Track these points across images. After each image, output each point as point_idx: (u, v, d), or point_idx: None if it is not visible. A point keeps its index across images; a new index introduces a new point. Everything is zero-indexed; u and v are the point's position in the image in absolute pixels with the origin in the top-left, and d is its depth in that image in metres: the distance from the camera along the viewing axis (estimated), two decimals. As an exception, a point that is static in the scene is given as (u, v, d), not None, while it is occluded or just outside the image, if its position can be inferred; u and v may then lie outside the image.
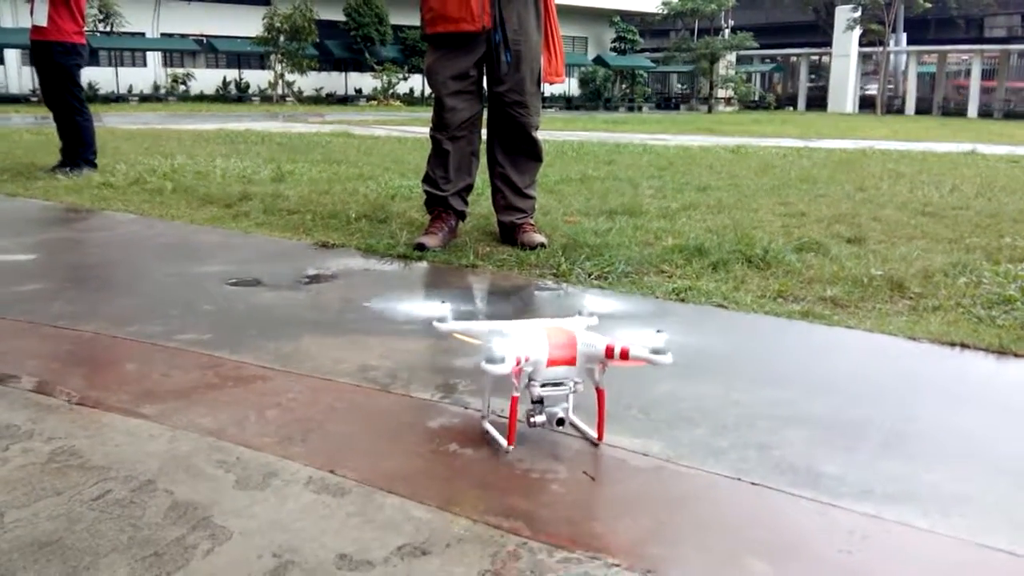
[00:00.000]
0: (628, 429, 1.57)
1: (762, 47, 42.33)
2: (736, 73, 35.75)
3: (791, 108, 38.66)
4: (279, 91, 27.62)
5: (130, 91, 27.30)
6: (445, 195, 3.40)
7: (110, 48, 26.63)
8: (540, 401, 1.48)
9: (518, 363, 1.41)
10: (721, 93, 35.66)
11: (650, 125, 18.08)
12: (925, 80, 39.73)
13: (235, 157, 7.01)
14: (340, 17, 29.13)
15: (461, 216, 3.51)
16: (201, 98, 27.62)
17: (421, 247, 3.21)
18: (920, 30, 39.69)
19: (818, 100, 39.43)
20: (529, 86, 3.33)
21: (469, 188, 3.51)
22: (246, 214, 4.07)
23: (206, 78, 29.00)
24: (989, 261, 3.18)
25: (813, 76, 42.39)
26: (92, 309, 2.41)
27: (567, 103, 34.99)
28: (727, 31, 37.24)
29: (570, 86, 36.96)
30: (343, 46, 29.61)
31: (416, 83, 31.91)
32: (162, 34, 28.47)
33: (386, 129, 13.53)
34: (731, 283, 2.76)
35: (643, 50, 40.87)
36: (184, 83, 26.44)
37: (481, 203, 4.18)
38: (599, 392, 1.50)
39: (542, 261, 3.08)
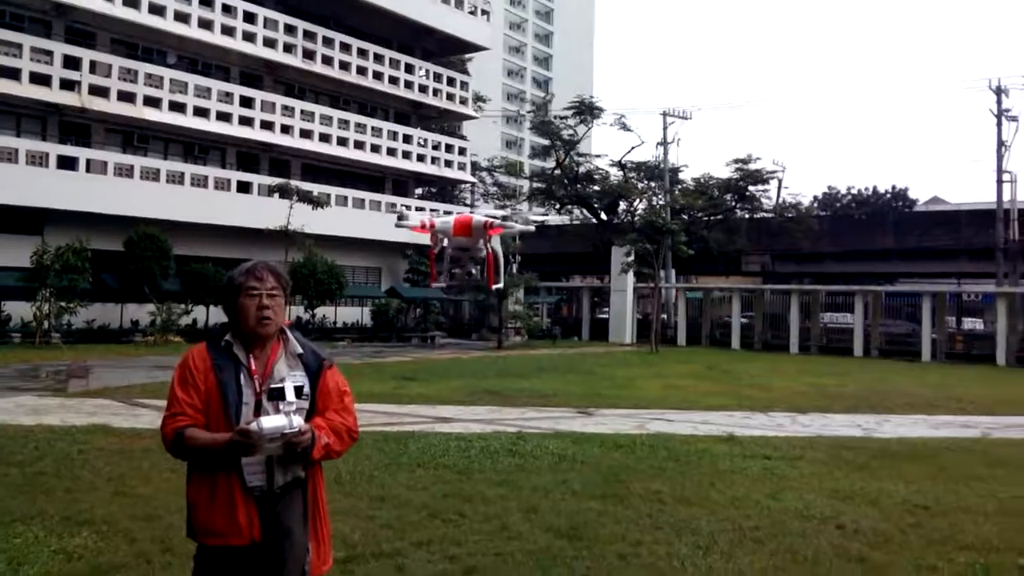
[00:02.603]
0: None
1: (548, 273, 45.11)
2: (524, 307, 37.45)
3: (576, 338, 40.73)
4: (45, 327, 25.68)
5: None
6: None
7: None
8: (454, 261, 3.59)
9: (422, 225, 3.70)
10: (511, 323, 37.03)
11: (427, 385, 18.01)
12: (694, 304, 43.49)
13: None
14: (118, 247, 28.07)
15: None
16: (-49, 334, 25.16)
17: None
18: (686, 262, 43.78)
19: (600, 327, 41.94)
20: None
21: None
22: None
23: (-40, 311, 26.61)
24: None
25: (596, 299, 45.35)
26: None
27: (360, 334, 34.95)
28: (515, 266, 39.31)
29: (363, 316, 37.13)
30: (121, 278, 28.33)
31: (200, 314, 30.85)
32: (-88, 265, 26.10)
33: (155, 412, 12.56)
34: None
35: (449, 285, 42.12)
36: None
37: None
38: (488, 254, 3.27)
39: None
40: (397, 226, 6.94)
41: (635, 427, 11.96)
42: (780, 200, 49.67)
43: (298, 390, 2.96)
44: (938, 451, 10.56)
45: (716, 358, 29.05)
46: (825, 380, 21.68)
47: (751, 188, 47.50)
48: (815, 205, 62.63)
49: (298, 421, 2.82)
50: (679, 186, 48.08)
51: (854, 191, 68.76)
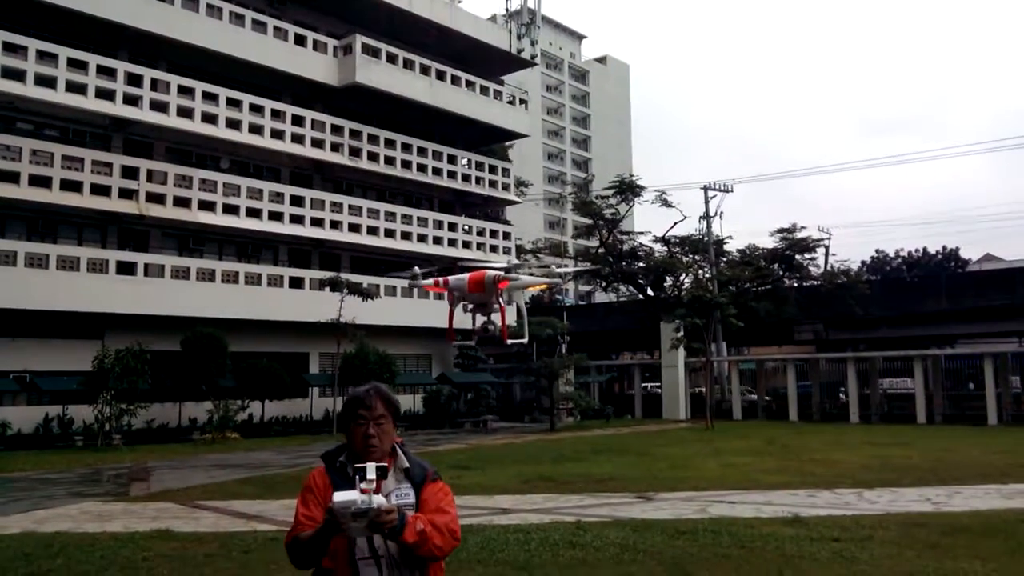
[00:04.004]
0: None
1: (597, 351, 44.95)
2: (575, 388, 37.26)
3: (629, 416, 40.29)
4: (106, 429, 26.22)
5: (-64, 436, 25.22)
6: None
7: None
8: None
9: (436, 283, 4.33)
10: (563, 404, 36.81)
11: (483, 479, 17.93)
12: (748, 376, 42.82)
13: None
14: (176, 347, 28.72)
15: None
16: (18, 439, 25.76)
17: None
18: (736, 334, 43.30)
19: (653, 403, 41.51)
20: None
21: None
22: None
23: (26, 416, 27.28)
24: None
25: (647, 374, 44.96)
26: None
27: (412, 422, 34.99)
28: (564, 346, 39.38)
29: (415, 403, 37.23)
30: (178, 377, 28.89)
31: (256, 410, 31.24)
32: (-21, 373, 26.98)
33: (216, 515, 12.69)
34: None
35: (488, 356, 42.33)
36: (-1, 431, 24.74)
37: None
38: (500, 307, 3.38)
39: None
40: (411, 285, 7.18)
41: (696, 511, 11.76)
42: (828, 267, 49.26)
43: (382, 470, 3.02)
44: (1015, 524, 10.19)
45: (774, 431, 28.48)
46: (890, 451, 21.12)
47: (798, 257, 47.25)
48: (864, 270, 61.91)
49: (379, 500, 2.89)
50: (724, 258, 48.01)
51: (904, 254, 67.88)
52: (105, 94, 28.47)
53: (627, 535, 9.70)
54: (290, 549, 3.14)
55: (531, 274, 7.71)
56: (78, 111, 28.38)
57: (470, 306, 6.79)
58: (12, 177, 26.46)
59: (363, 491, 2.88)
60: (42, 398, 28.19)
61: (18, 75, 26.54)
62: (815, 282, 47.90)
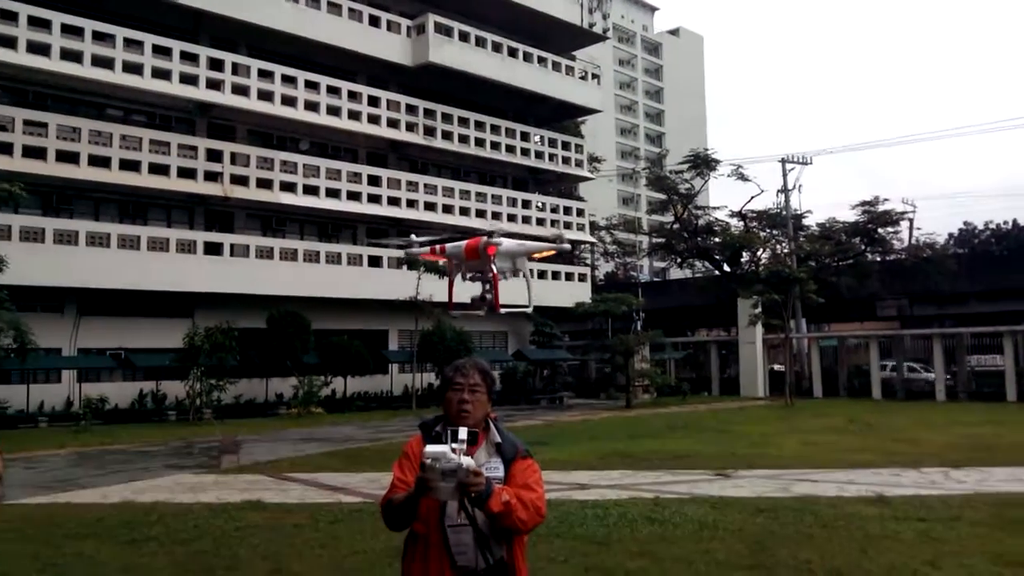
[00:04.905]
0: None
1: (672, 327, 44.57)
2: (650, 365, 37.08)
3: (706, 393, 39.95)
4: (197, 404, 27.29)
5: (40, 408, 26.60)
6: None
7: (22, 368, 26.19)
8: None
9: (432, 251, 4.39)
10: (639, 381, 36.70)
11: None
12: (829, 353, 41.95)
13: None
14: (261, 324, 29.62)
15: None
16: (115, 414, 27.00)
17: None
18: (816, 310, 42.39)
19: (731, 381, 41.09)
20: None
21: None
22: None
23: (122, 392, 28.56)
24: None
25: (724, 352, 44.46)
26: None
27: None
28: (639, 323, 39.20)
29: (492, 381, 37.58)
30: (264, 354, 29.81)
31: (338, 385, 32.04)
32: (79, 349, 28.31)
33: (303, 487, 13.15)
34: None
35: (564, 333, 42.47)
36: (98, 406, 25.94)
37: None
38: (493, 274, 3.65)
39: None
40: (406, 254, 7.15)
41: (777, 489, 11.68)
42: (913, 240, 47.74)
43: (472, 435, 3.14)
44: (1114, 506, 9.86)
45: (856, 409, 27.88)
46: (979, 430, 20.52)
47: (880, 230, 45.86)
48: (951, 243, 59.78)
49: (467, 460, 2.98)
50: (803, 232, 46.93)
51: (992, 226, 65.22)
52: (189, 79, 29.34)
53: (706, 512, 9.71)
54: (384, 511, 3.27)
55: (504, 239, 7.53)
56: (164, 96, 29.32)
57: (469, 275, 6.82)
58: (104, 162, 27.54)
59: (453, 451, 2.96)
60: (136, 374, 29.45)
61: (107, 63, 27.53)
62: (899, 256, 46.49)
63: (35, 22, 26.12)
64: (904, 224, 46.91)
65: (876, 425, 22.17)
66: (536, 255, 7.21)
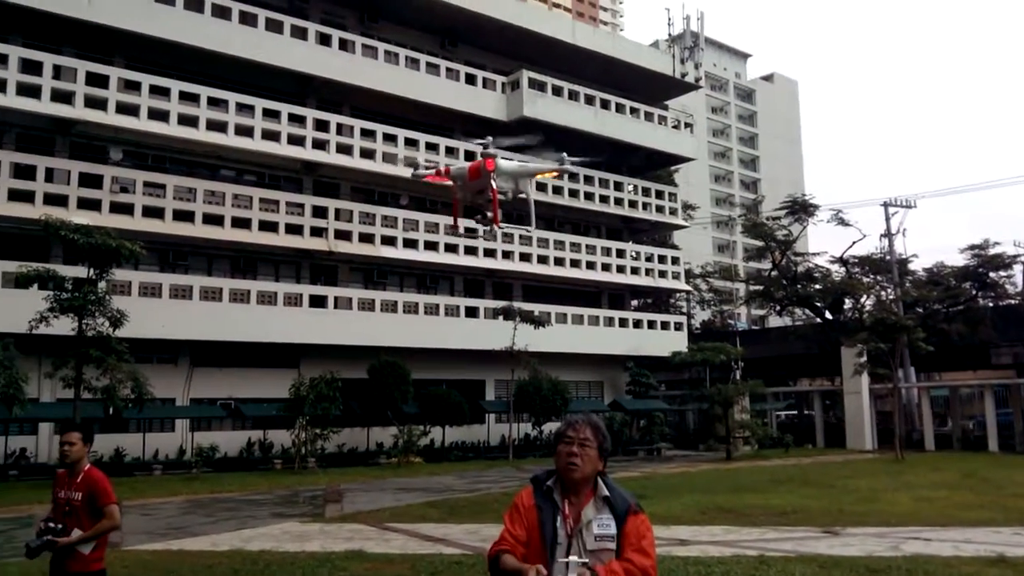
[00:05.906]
0: None
1: (772, 377, 43.50)
2: (751, 417, 36.23)
3: (810, 445, 38.73)
4: (302, 452, 28.07)
5: (155, 456, 27.81)
6: None
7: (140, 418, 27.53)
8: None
9: (438, 172, 6.84)
10: (739, 433, 35.90)
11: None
12: (939, 403, 40.13)
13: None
14: (363, 375, 30.37)
15: None
16: (224, 462, 28.02)
17: None
18: (926, 359, 40.73)
19: (836, 432, 39.69)
20: None
21: None
22: None
23: (231, 440, 29.66)
24: None
25: (828, 403, 43.07)
26: None
27: (586, 448, 35.14)
28: (738, 372, 38.48)
29: (588, 431, 37.36)
30: (366, 404, 30.52)
31: (436, 435, 32.46)
32: (192, 399, 29.60)
33: (404, 537, 13.40)
34: None
35: (660, 382, 41.99)
36: (209, 454, 27.07)
37: None
38: (492, 191, 5.73)
39: None
40: (414, 176, 7.57)
41: (888, 548, 11.29)
42: (1027, 284, 45.57)
43: (599, 536, 3.25)
44: None
45: (972, 463, 26.59)
46: (1108, 487, 19.29)
47: (992, 274, 44.00)
48: (1072, 286, 56.68)
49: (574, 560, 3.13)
50: (909, 278, 45.42)
51: (1118, 268, 61.57)
52: (296, 140, 30.81)
53: (814, 572, 9.49)
54: (492, 566, 3.35)
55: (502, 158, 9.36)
56: (274, 157, 30.82)
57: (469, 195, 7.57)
58: (217, 220, 29.06)
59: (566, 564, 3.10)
60: (245, 423, 30.56)
61: (220, 126, 29.20)
62: (1013, 301, 44.41)
63: (155, 90, 27.98)
64: (1017, 268, 44.95)
65: (993, 480, 21.13)
66: (539, 175, 7.44)
